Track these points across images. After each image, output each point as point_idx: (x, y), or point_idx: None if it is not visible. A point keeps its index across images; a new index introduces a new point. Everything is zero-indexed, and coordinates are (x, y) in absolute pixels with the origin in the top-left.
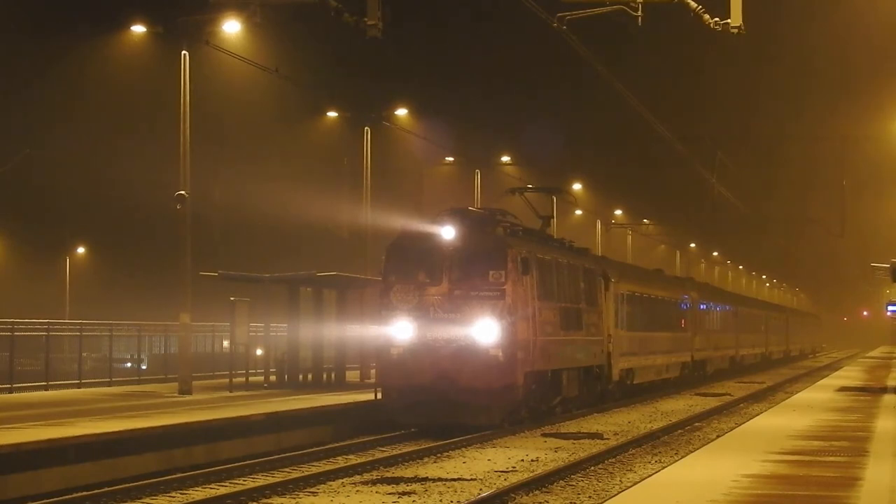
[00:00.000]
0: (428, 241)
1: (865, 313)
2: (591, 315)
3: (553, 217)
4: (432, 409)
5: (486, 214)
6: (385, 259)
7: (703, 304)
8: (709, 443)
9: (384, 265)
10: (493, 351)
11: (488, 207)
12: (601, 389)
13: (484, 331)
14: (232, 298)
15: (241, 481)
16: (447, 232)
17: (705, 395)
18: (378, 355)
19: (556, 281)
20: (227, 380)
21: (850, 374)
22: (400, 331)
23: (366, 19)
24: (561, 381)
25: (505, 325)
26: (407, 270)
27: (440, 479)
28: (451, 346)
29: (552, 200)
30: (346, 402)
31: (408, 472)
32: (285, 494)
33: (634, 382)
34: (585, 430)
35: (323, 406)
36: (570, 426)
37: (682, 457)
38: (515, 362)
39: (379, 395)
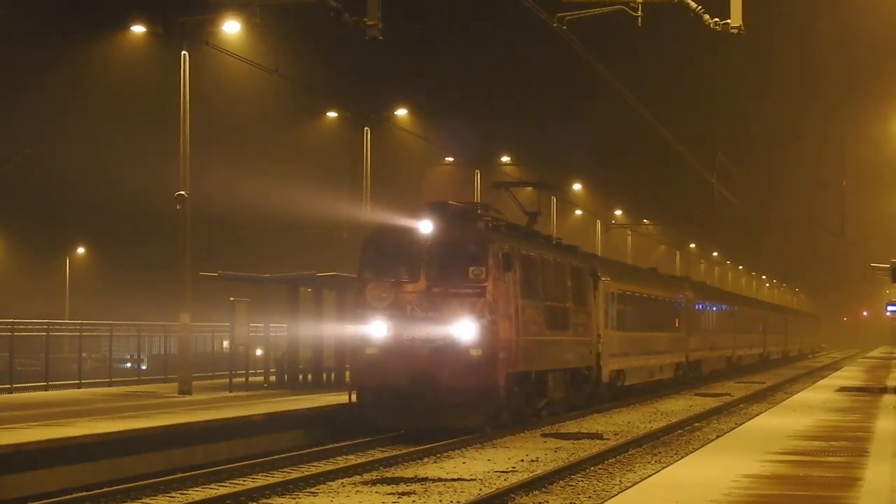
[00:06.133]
0: (405, 236)
1: (865, 313)
2: (579, 314)
3: (539, 213)
4: (409, 412)
5: (466, 208)
6: (360, 255)
7: (698, 303)
8: (708, 443)
9: (359, 261)
10: (472, 351)
11: (469, 201)
12: (590, 391)
13: (463, 330)
14: (232, 298)
15: (241, 481)
16: (425, 226)
17: (705, 395)
18: (353, 356)
19: (541, 278)
20: (226, 380)
21: (850, 375)
22: (375, 330)
23: (365, 19)
24: (546, 383)
25: (485, 323)
26: (383, 267)
27: (440, 479)
28: (429, 346)
29: (547, 199)
30: (345, 402)
31: (408, 472)
32: (285, 494)
33: (625, 384)
34: (585, 431)
35: (323, 406)
36: (570, 426)
37: (682, 457)
38: (496, 363)
39: (354, 397)
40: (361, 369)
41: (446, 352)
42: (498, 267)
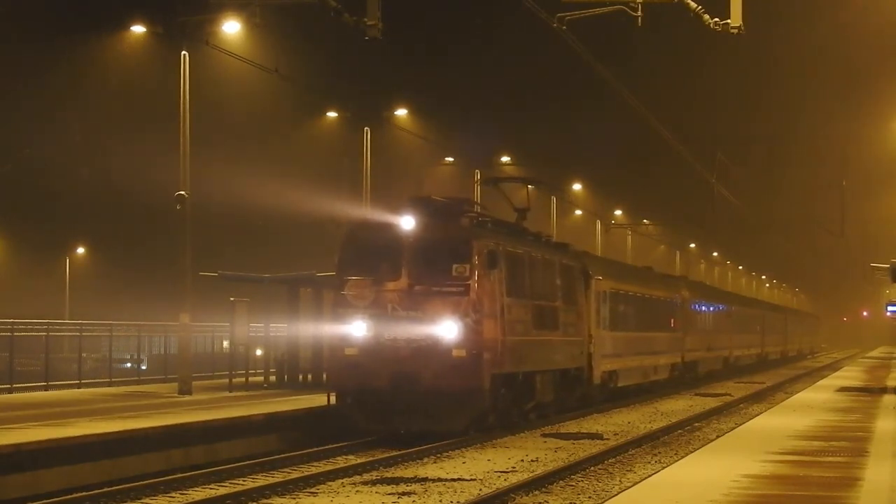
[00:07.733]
0: (386, 232)
1: (865, 313)
2: (569, 314)
3: (528, 209)
4: (391, 415)
5: (450, 204)
6: (339, 251)
7: (694, 303)
8: (709, 443)
9: (338, 258)
10: (456, 351)
11: (454, 196)
12: (581, 393)
13: (446, 330)
14: (232, 298)
15: (241, 481)
16: (407, 222)
17: (705, 395)
18: (331, 356)
19: (528, 277)
20: (226, 380)
21: (850, 375)
22: (355, 330)
23: (365, 19)
24: (534, 385)
25: (469, 323)
26: (363, 264)
27: (440, 479)
28: (411, 346)
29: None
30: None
31: (408, 472)
32: (285, 494)
33: (618, 385)
34: (585, 431)
35: (323, 406)
36: (570, 426)
37: (682, 457)
38: (481, 363)
39: (333, 400)
40: (340, 370)
41: (429, 352)
42: (483, 264)
